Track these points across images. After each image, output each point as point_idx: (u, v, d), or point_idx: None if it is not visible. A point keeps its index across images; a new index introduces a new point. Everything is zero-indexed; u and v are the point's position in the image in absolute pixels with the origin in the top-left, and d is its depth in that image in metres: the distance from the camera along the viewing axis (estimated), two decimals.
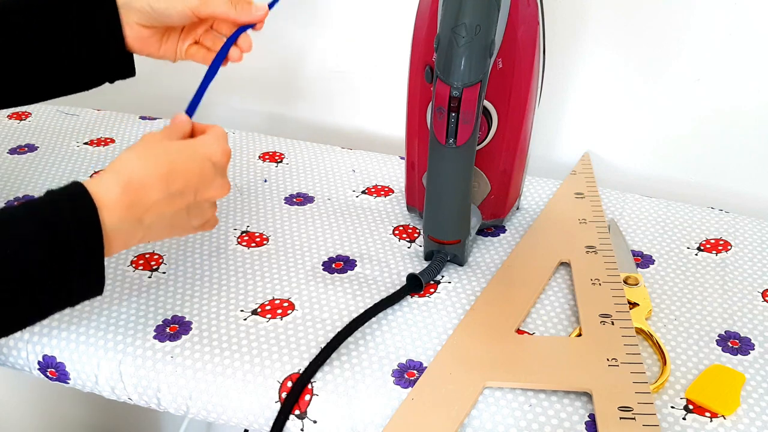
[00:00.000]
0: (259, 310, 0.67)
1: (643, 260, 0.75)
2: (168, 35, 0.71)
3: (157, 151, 0.57)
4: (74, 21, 0.66)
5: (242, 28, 0.70)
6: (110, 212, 0.53)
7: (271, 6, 0.71)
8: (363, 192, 0.85)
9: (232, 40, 0.70)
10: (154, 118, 1.01)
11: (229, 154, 0.61)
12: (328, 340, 0.62)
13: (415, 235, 0.78)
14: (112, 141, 0.94)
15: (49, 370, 0.64)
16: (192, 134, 0.63)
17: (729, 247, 0.77)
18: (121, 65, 0.70)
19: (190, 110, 0.64)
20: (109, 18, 0.67)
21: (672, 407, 0.58)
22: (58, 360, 0.63)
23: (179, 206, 0.57)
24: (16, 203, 0.79)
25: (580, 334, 0.64)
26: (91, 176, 0.61)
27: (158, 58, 0.72)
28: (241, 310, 0.67)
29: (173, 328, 0.65)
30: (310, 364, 0.60)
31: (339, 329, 0.64)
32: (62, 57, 0.67)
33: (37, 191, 0.82)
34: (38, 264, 0.50)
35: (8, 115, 0.98)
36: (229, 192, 0.61)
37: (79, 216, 0.51)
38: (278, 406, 0.59)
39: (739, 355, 0.63)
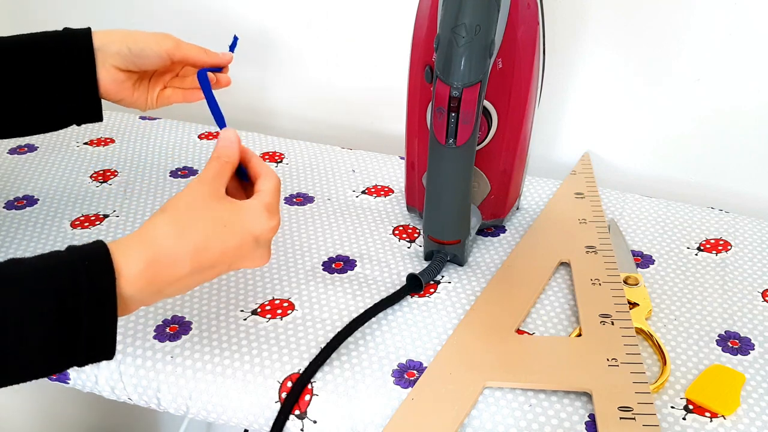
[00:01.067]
0: (259, 310, 0.67)
1: (643, 260, 0.75)
2: (140, 82, 0.72)
3: (195, 221, 0.53)
4: (47, 65, 0.66)
5: (208, 70, 0.72)
6: (129, 284, 0.50)
7: (231, 48, 0.75)
8: (363, 192, 0.85)
9: (204, 76, 0.71)
10: (154, 118, 1.01)
11: (277, 227, 0.56)
12: (328, 340, 0.62)
13: (415, 235, 0.78)
14: (112, 141, 0.94)
15: None
16: (244, 165, 0.60)
17: (729, 247, 0.77)
18: (88, 111, 0.70)
19: (221, 123, 0.64)
20: (83, 64, 0.67)
21: (672, 407, 0.58)
22: None
23: (207, 278, 0.54)
24: (16, 203, 0.80)
25: (580, 334, 0.64)
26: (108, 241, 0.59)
27: (129, 105, 0.72)
28: (241, 310, 0.67)
29: (173, 328, 0.65)
30: (310, 364, 0.60)
31: (339, 329, 0.64)
32: (30, 100, 0.67)
33: (37, 191, 0.83)
34: (47, 326, 0.47)
35: None
36: (267, 263, 0.57)
37: (95, 284, 0.48)
38: (278, 406, 0.59)
39: (739, 355, 0.63)
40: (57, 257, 0.49)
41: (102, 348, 0.50)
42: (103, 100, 0.70)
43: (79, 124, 0.71)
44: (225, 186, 0.56)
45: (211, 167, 0.56)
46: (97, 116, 0.71)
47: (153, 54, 0.69)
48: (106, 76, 0.69)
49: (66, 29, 0.68)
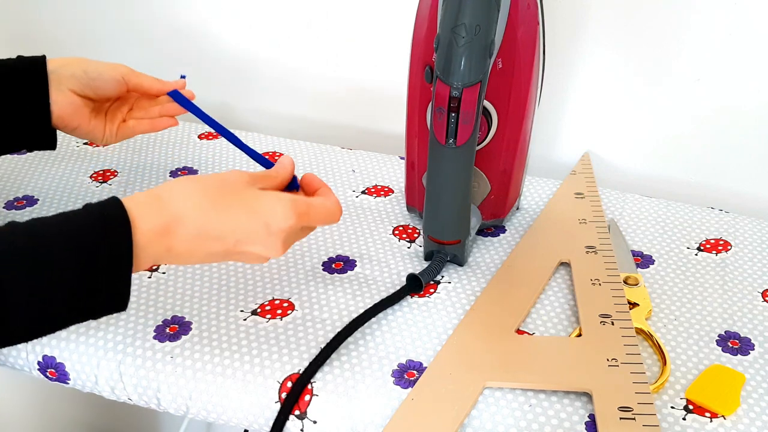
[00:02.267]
0: (259, 310, 0.67)
1: (643, 260, 0.75)
2: (97, 112, 0.72)
3: (216, 193, 0.55)
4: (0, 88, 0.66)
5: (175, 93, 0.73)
6: (142, 236, 0.51)
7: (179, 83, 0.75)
8: (363, 192, 0.85)
9: (178, 93, 0.72)
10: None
11: (294, 225, 0.56)
12: (328, 340, 0.62)
13: (415, 235, 0.78)
14: None
15: (48, 370, 0.64)
16: (307, 186, 0.62)
17: (729, 247, 0.77)
18: (40, 136, 0.69)
19: (264, 162, 0.64)
20: (35, 87, 0.67)
21: (672, 407, 0.58)
22: (57, 360, 0.63)
23: (214, 249, 0.55)
24: (16, 203, 0.80)
25: (580, 334, 0.64)
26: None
27: (85, 135, 0.72)
28: (241, 311, 0.67)
29: (173, 329, 0.65)
30: (310, 364, 0.60)
31: (339, 329, 0.64)
32: None
33: (37, 191, 0.83)
34: (67, 275, 0.49)
35: None
36: (278, 257, 0.57)
37: (112, 237, 0.50)
38: (278, 406, 0.59)
39: (739, 355, 0.63)
40: (75, 214, 0.51)
41: (118, 300, 0.52)
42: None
43: (30, 150, 0.70)
44: (263, 186, 0.58)
45: (260, 172, 0.59)
46: (49, 143, 0.70)
47: (110, 78, 0.69)
48: (63, 99, 0.68)
49: (20, 56, 0.68)
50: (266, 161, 0.64)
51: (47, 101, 0.67)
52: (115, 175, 0.87)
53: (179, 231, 0.53)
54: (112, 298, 0.52)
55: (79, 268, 0.49)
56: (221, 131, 0.66)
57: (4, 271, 0.47)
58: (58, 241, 0.49)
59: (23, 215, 0.78)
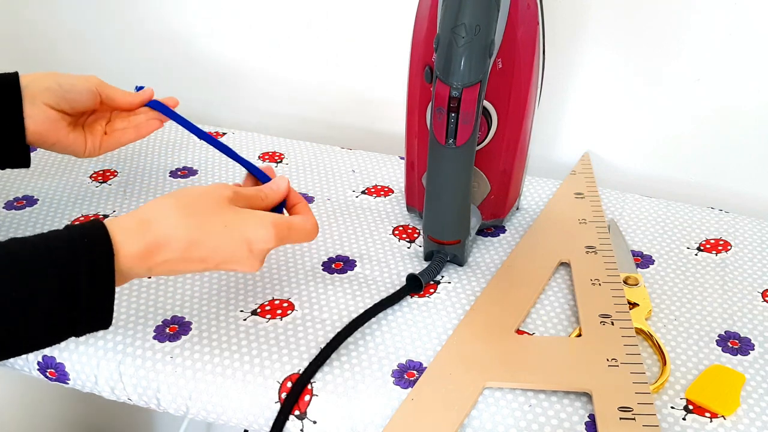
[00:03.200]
0: (258, 310, 0.67)
1: (643, 260, 0.75)
2: (75, 125, 0.71)
3: (199, 213, 0.55)
4: None
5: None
6: (126, 260, 0.52)
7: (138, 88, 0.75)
8: (363, 192, 0.85)
9: (158, 103, 0.72)
10: None
11: (274, 246, 0.58)
12: (328, 341, 0.62)
13: (415, 235, 0.78)
14: None
15: (48, 370, 0.64)
16: (288, 205, 0.63)
17: (729, 247, 0.76)
18: (15, 156, 0.68)
19: (260, 175, 0.65)
20: (9, 105, 0.65)
21: (672, 407, 0.58)
22: (57, 360, 0.63)
23: (195, 269, 0.56)
24: (16, 203, 0.80)
25: (580, 335, 0.64)
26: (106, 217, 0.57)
27: (66, 150, 0.71)
28: (241, 311, 0.67)
29: (173, 329, 0.65)
30: (310, 364, 0.60)
31: (339, 329, 0.64)
32: None
33: (37, 191, 0.83)
34: (49, 301, 0.49)
35: None
36: (256, 271, 0.59)
37: (95, 261, 0.51)
38: (278, 406, 0.59)
39: (739, 355, 0.63)
40: (57, 236, 0.51)
41: (100, 319, 0.53)
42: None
43: (2, 168, 0.69)
44: (245, 205, 0.58)
45: (246, 188, 0.60)
46: (23, 161, 0.69)
47: (84, 89, 0.68)
48: (38, 114, 0.66)
49: None
50: (259, 173, 0.64)
51: (21, 117, 0.66)
52: (115, 175, 0.87)
53: (162, 254, 0.54)
54: (93, 317, 0.52)
55: (58, 289, 0.49)
56: (205, 138, 0.67)
57: None
58: (40, 261, 0.49)
59: (23, 215, 0.78)
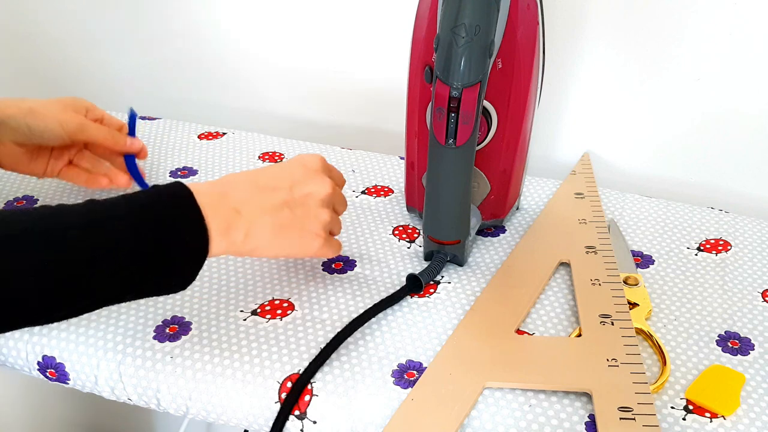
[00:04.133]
0: (258, 310, 0.67)
1: (643, 260, 0.75)
2: (38, 153, 0.71)
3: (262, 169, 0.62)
4: None
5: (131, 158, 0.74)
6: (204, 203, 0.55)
7: (130, 125, 0.75)
8: (363, 192, 0.85)
9: (132, 162, 0.73)
10: (154, 118, 1.01)
11: (324, 165, 0.63)
12: (328, 341, 0.62)
13: (415, 235, 0.78)
14: None
15: (48, 370, 0.64)
16: None
17: (729, 247, 0.76)
18: None
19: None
20: None
21: (672, 407, 0.58)
22: (57, 360, 0.63)
23: (275, 199, 0.59)
24: (16, 203, 0.80)
25: (580, 335, 0.64)
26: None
27: (23, 172, 0.71)
28: (241, 311, 0.67)
29: (173, 329, 0.65)
30: (310, 364, 0.60)
31: (339, 329, 0.64)
32: None
33: (37, 191, 0.82)
34: (141, 248, 0.51)
35: None
36: (332, 189, 0.63)
37: (183, 211, 0.53)
38: (278, 406, 0.59)
39: (739, 355, 0.63)
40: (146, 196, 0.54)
41: (189, 275, 0.55)
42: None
43: None
44: None
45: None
46: None
47: (54, 136, 0.68)
48: (3, 150, 0.67)
49: None
50: None
51: None
52: None
53: (233, 196, 0.57)
54: (181, 276, 0.54)
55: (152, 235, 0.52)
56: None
57: (81, 241, 0.49)
58: (131, 217, 0.52)
59: None
